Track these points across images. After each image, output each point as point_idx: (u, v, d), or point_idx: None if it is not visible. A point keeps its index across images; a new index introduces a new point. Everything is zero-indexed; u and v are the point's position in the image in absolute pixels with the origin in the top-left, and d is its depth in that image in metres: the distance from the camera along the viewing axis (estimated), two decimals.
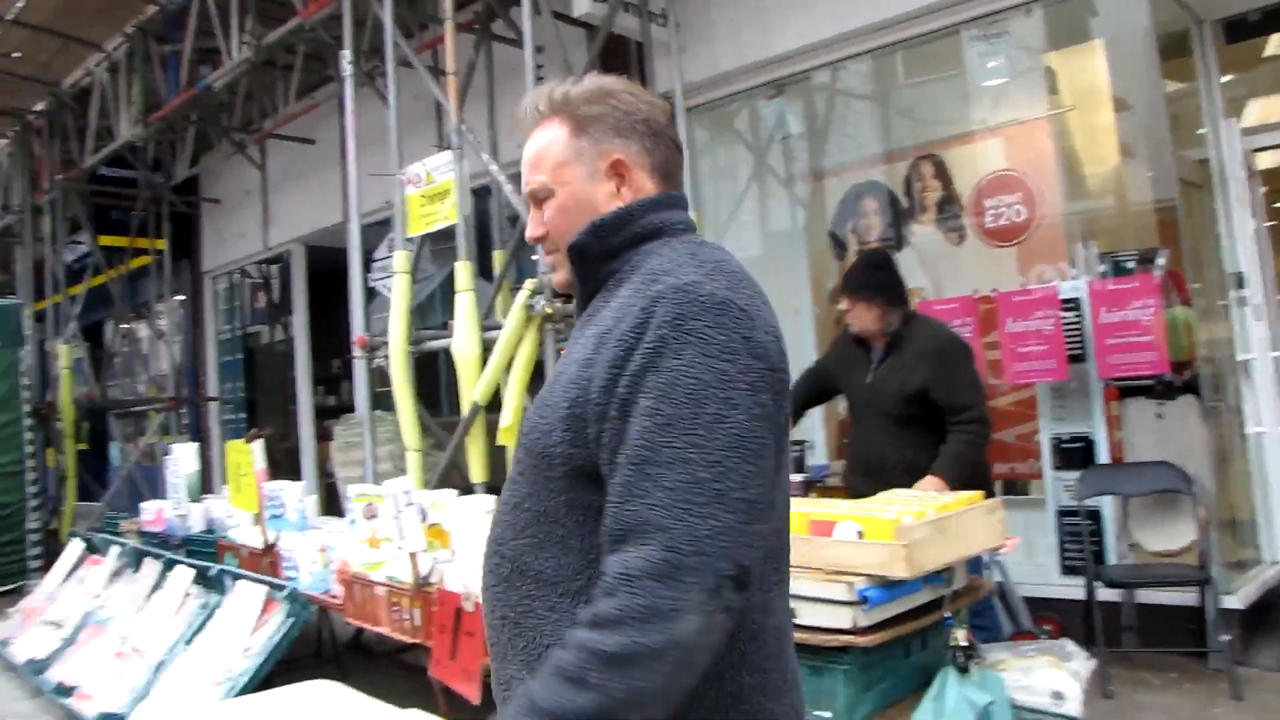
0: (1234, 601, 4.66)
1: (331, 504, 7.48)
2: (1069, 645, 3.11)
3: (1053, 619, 4.88)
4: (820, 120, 6.88)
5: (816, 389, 4.59)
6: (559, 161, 1.50)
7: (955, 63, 5.96)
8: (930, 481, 3.75)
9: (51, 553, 8.26)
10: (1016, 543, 2.99)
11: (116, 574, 6.02)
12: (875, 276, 4.21)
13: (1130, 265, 5.03)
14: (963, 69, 5.95)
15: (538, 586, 1.39)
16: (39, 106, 10.56)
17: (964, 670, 2.57)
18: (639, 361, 1.29)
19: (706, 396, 1.26)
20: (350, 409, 8.05)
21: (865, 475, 4.09)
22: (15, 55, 9.21)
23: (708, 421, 1.25)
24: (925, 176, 6.12)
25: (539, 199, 1.53)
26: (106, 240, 11.34)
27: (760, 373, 1.31)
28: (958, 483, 3.72)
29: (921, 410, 3.97)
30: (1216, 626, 4.48)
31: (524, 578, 1.40)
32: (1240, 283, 5.22)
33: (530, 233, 1.56)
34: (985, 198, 5.75)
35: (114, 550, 6.20)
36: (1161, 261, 4.95)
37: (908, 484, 3.65)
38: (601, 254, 1.47)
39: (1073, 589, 4.83)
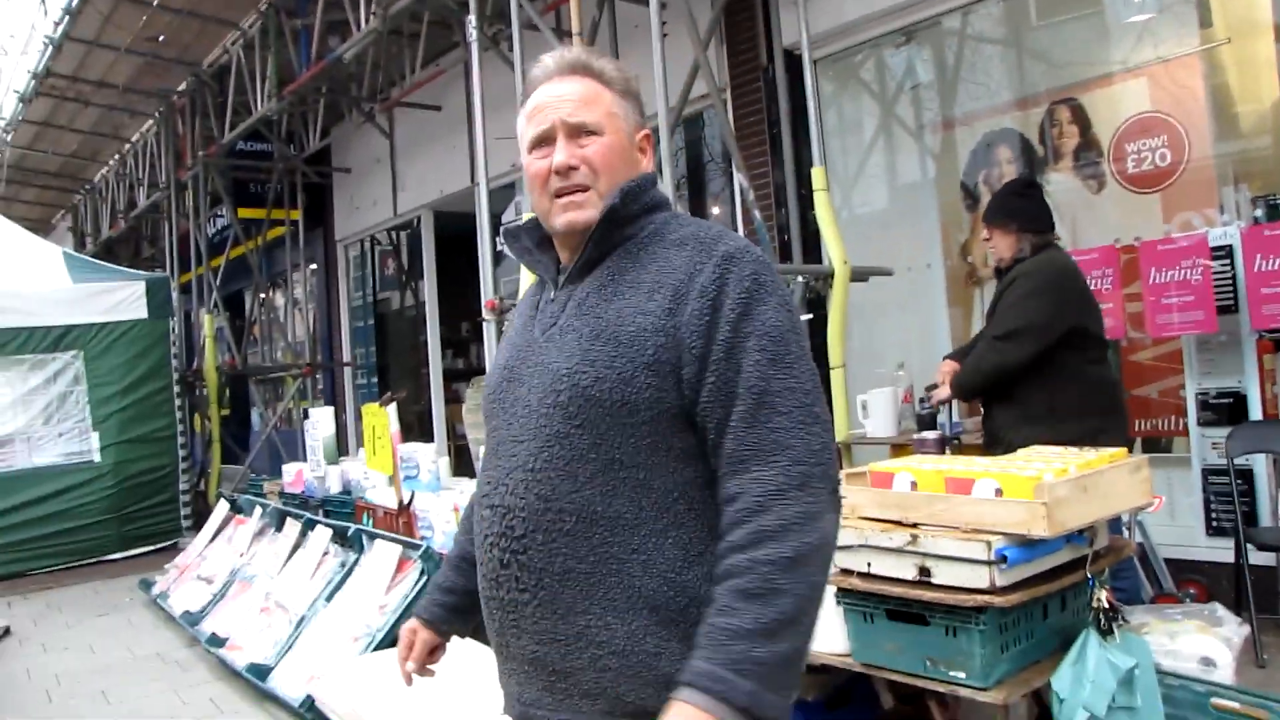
0: None
1: (463, 465, 7.66)
2: (1219, 610, 2.96)
3: (1198, 583, 4.67)
4: (950, 67, 6.63)
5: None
6: (611, 111, 1.58)
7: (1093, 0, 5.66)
8: (948, 364, 4.14)
9: (201, 513, 8.74)
10: (1163, 501, 2.84)
11: (260, 533, 6.29)
12: (1014, 203, 4.08)
13: None
14: (1101, 5, 5.65)
15: (614, 532, 1.43)
16: (181, 87, 11.01)
17: (1106, 633, 2.46)
18: (734, 311, 1.43)
19: (790, 338, 1.45)
20: (480, 372, 8.20)
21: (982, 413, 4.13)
22: (160, 39, 9.62)
23: (797, 357, 1.45)
24: (1062, 122, 5.84)
25: (582, 131, 1.55)
26: (245, 213, 11.83)
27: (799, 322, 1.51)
28: (957, 389, 4.07)
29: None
30: None
31: (595, 526, 1.43)
32: None
33: (564, 159, 1.54)
34: (1126, 142, 5.46)
35: (257, 511, 6.49)
36: None
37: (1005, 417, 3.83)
38: (624, 219, 1.56)
39: (1220, 551, 4.61)
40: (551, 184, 1.56)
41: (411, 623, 1.87)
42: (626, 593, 1.42)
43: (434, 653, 1.87)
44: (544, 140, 1.57)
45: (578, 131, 1.55)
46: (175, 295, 10.66)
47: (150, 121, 12.05)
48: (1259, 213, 4.77)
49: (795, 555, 1.34)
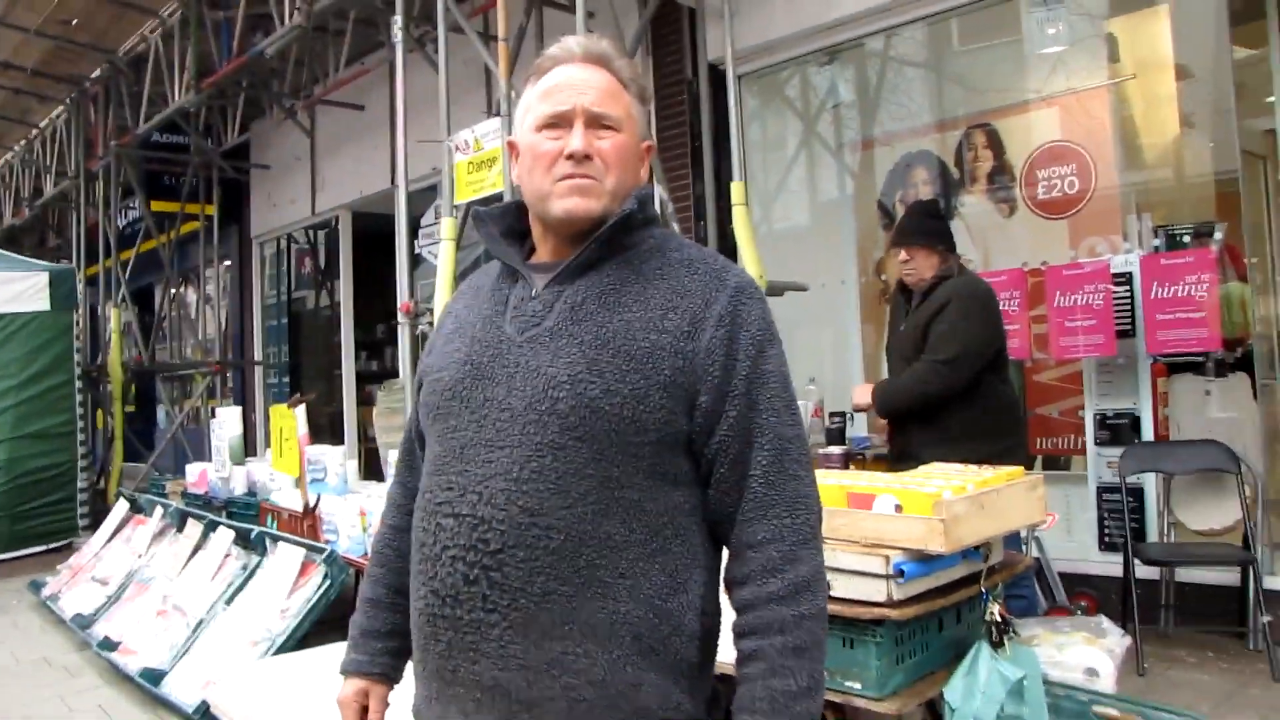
0: (1277, 583, 4.56)
1: (372, 468, 7.55)
2: (1104, 622, 3.06)
3: (1089, 595, 4.83)
4: (872, 88, 6.76)
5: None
6: (628, 111, 1.51)
7: (1012, 29, 5.82)
8: (862, 389, 4.18)
9: (99, 512, 8.47)
10: (1056, 519, 2.92)
11: (160, 534, 6.13)
12: (933, 225, 4.13)
13: (1185, 239, 4.90)
14: (1020, 35, 5.81)
15: (602, 554, 1.35)
16: (95, 73, 10.70)
17: (998, 645, 2.52)
18: (752, 348, 1.43)
19: (790, 384, 1.48)
20: (393, 374, 8.10)
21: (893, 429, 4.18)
22: (73, 22, 9.33)
23: (795, 402, 1.48)
24: (977, 146, 6.00)
25: (601, 124, 1.48)
26: (158, 206, 11.53)
27: None
28: (884, 405, 4.07)
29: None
30: (1259, 607, 4.39)
31: (584, 546, 1.35)
32: None
33: (581, 146, 1.45)
34: (1038, 168, 5.62)
35: (158, 511, 6.32)
36: (1219, 235, 4.81)
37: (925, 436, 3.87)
38: (632, 227, 1.49)
39: (1111, 566, 4.78)
40: (559, 168, 1.46)
41: (356, 685, 1.65)
42: (610, 619, 1.35)
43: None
44: (559, 121, 1.47)
45: (597, 122, 1.47)
46: (81, 288, 10.35)
47: (61, 108, 11.69)
48: (1159, 242, 4.94)
49: (823, 604, 1.40)
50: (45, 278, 8.99)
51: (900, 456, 3.99)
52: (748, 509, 1.41)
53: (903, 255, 4.08)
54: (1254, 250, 5.17)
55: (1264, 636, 4.33)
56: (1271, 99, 5.04)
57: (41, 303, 8.89)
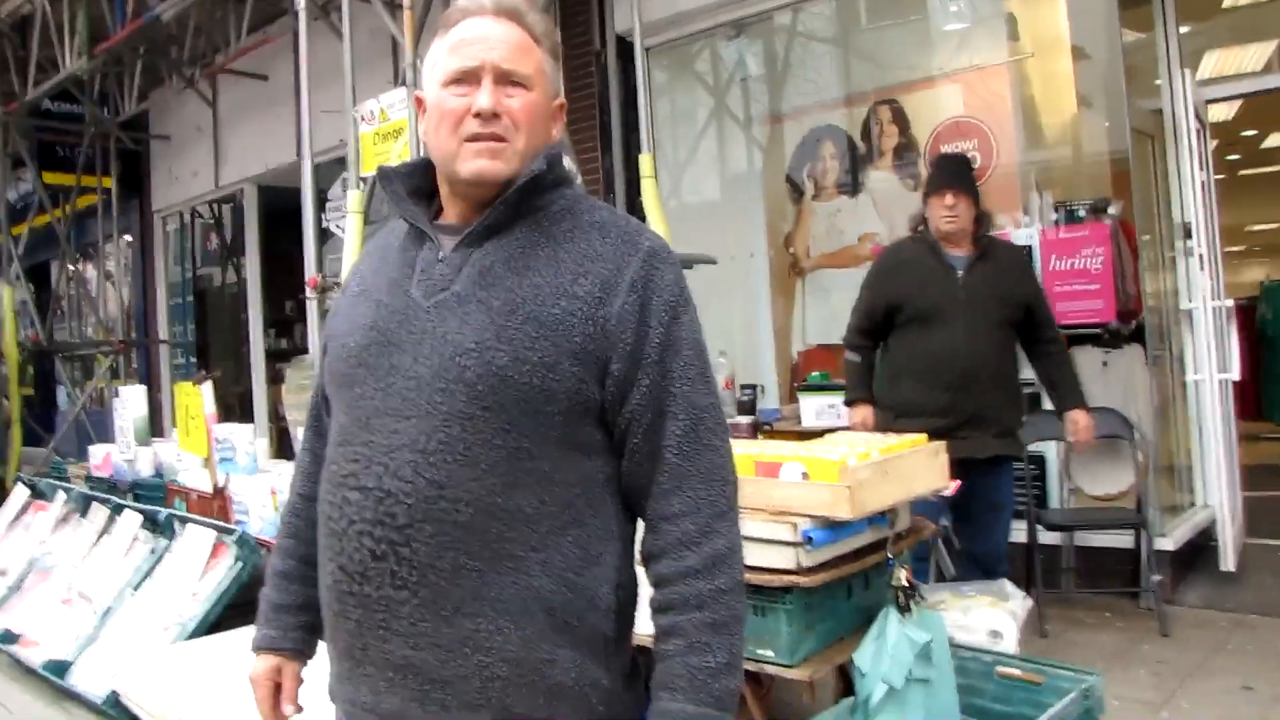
0: (1166, 544, 4.80)
1: (284, 447, 7.43)
2: (1007, 586, 3.17)
3: None
4: (780, 62, 6.83)
5: (882, 324, 4.14)
6: (540, 68, 1.47)
7: (917, 7, 5.94)
8: (1081, 417, 4.03)
9: None
10: (959, 485, 3.02)
11: (63, 520, 5.94)
12: (970, 175, 4.14)
13: (1081, 214, 5.07)
14: (924, 14, 5.93)
15: (512, 527, 1.33)
16: None
17: (905, 610, 2.60)
18: (665, 315, 1.40)
19: (704, 352, 1.46)
20: (303, 351, 7.97)
21: (951, 387, 3.86)
22: None
23: (709, 372, 1.45)
24: (883, 121, 6.11)
25: (510, 80, 1.43)
26: (51, 178, 11.04)
27: None
28: (1082, 396, 4.10)
29: (1013, 320, 3.98)
30: (1149, 567, 4.61)
31: (493, 519, 1.33)
32: (1188, 233, 5.26)
33: (488, 104, 1.40)
34: (942, 143, 5.75)
35: (60, 496, 6.12)
36: (1114, 211, 4.98)
37: (998, 396, 3.88)
38: (542, 188, 1.45)
39: (1016, 533, 4.92)
40: (466, 126, 1.41)
41: (269, 661, 1.62)
42: (522, 594, 1.33)
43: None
44: (466, 78, 1.42)
45: (506, 79, 1.42)
46: None
47: None
48: (1057, 216, 5.09)
49: (740, 577, 1.38)
50: None
51: (972, 421, 3.86)
52: (662, 480, 1.39)
53: (949, 199, 3.93)
54: (1145, 227, 5.37)
55: (1155, 596, 4.54)
56: (1159, 81, 5.24)
57: None
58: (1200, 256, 5.01)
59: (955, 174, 4.05)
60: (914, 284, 3.96)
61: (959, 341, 3.85)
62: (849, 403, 4.21)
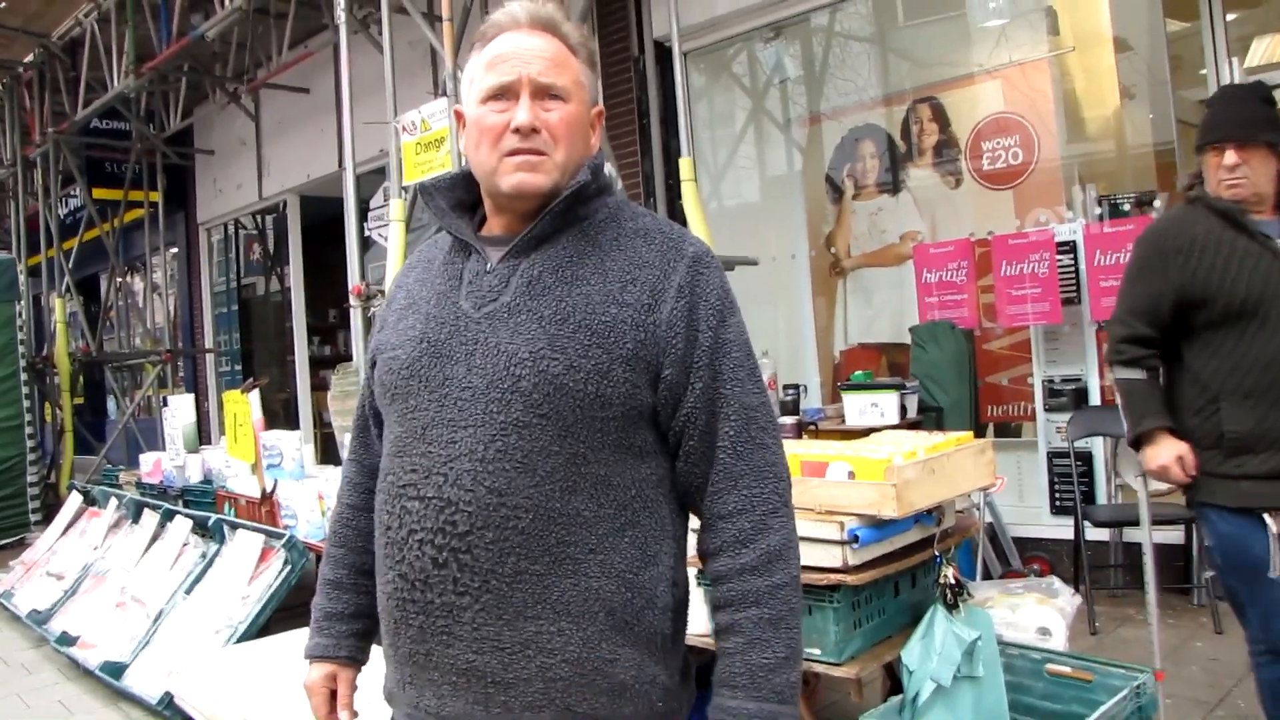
0: None
1: (329, 452, 7.52)
2: (1056, 583, 3.13)
3: (1042, 559, 4.94)
4: (818, 63, 6.81)
5: (1171, 326, 2.89)
6: (577, 79, 1.47)
7: (955, 3, 5.89)
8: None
9: (51, 506, 8.34)
10: (1005, 482, 2.99)
11: (115, 526, 6.06)
12: (1268, 111, 2.81)
13: (1126, 208, 5.01)
14: (963, 10, 5.89)
15: (571, 531, 1.35)
16: (28, 58, 10.44)
17: (952, 607, 2.59)
18: (714, 318, 1.42)
19: (752, 352, 1.48)
20: (346, 358, 8.05)
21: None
22: (2, 5, 9.10)
23: (757, 372, 1.47)
24: (923, 119, 6.07)
25: (547, 94, 1.43)
26: (100, 193, 11.28)
27: None
28: None
29: None
30: (1201, 564, 4.52)
31: (553, 524, 1.34)
32: None
33: (527, 119, 1.40)
34: (983, 140, 5.71)
35: (112, 502, 6.24)
36: (1159, 204, 4.91)
37: None
38: (587, 198, 1.46)
39: (1062, 529, 4.89)
40: (506, 142, 1.42)
41: (323, 669, 1.63)
42: (583, 595, 1.34)
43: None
44: (504, 93, 1.43)
45: (544, 93, 1.43)
46: (23, 278, 10.13)
47: None
48: (1101, 211, 5.03)
49: (796, 572, 1.41)
50: None
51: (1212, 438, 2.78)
52: (717, 480, 1.41)
53: (1230, 158, 2.73)
54: None
55: (1207, 592, 4.46)
56: (1204, 71, 5.15)
57: None
58: None
59: (1241, 120, 2.78)
60: (1218, 269, 2.73)
61: None
62: (1142, 435, 2.86)
